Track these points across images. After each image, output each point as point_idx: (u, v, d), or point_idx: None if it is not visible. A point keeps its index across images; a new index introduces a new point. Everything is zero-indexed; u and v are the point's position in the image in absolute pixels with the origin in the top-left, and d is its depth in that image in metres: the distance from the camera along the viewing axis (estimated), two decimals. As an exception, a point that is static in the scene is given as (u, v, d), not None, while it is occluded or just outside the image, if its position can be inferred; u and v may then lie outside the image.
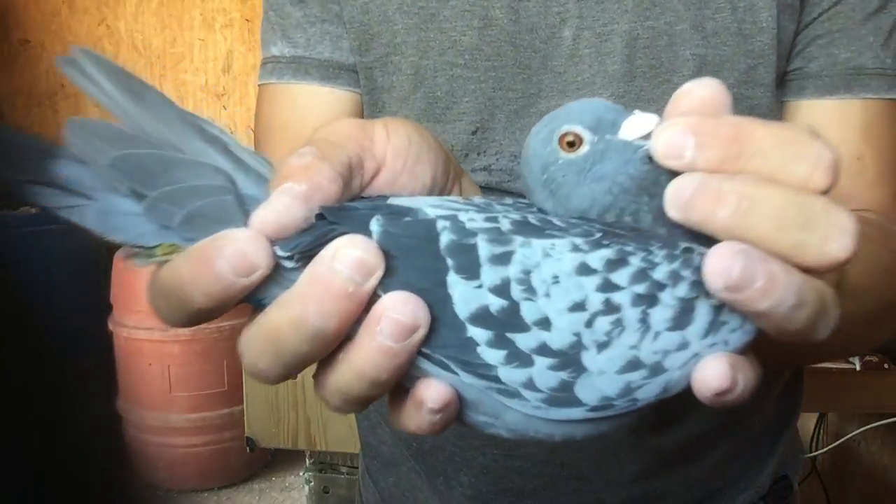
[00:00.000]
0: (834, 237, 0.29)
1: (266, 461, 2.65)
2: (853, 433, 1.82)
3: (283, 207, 0.31)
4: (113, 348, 2.50)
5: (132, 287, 2.43)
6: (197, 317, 0.34)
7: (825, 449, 1.86)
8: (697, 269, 0.30)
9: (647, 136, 0.32)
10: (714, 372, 0.30)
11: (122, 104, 0.33)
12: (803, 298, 0.29)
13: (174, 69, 2.94)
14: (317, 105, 0.65)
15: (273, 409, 1.67)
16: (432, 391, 0.32)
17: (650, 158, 0.32)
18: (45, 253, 2.50)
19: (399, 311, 0.30)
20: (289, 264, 0.32)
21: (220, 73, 2.92)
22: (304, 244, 0.31)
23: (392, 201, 0.34)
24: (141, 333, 2.41)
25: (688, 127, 0.30)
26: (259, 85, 0.68)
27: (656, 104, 0.59)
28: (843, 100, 0.61)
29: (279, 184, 0.31)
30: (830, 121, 0.61)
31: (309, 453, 1.77)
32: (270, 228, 0.31)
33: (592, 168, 0.34)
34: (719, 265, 0.29)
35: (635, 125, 0.33)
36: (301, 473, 2.09)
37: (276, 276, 0.32)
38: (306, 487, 1.82)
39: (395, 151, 0.36)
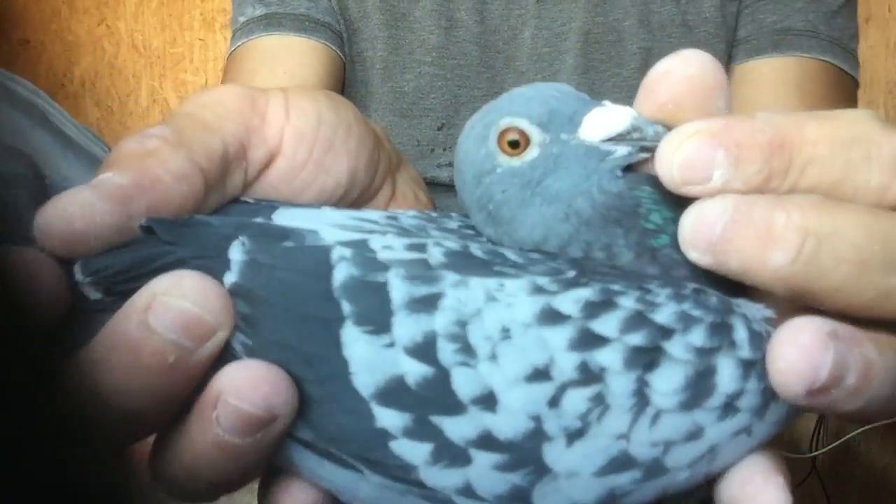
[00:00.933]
0: None
1: (266, 461, 2.65)
2: (853, 433, 1.82)
3: (85, 206, 0.21)
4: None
5: (132, 287, 2.43)
6: None
7: (825, 449, 1.86)
8: (717, 311, 0.21)
9: (623, 138, 0.23)
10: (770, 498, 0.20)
11: None
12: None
13: (174, 69, 2.94)
14: (289, 55, 0.57)
15: (273, 409, 1.67)
16: (295, 498, 0.22)
17: (623, 170, 0.23)
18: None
19: (244, 395, 0.20)
20: (92, 294, 0.22)
21: (220, 73, 2.92)
22: (113, 268, 0.22)
23: (278, 213, 0.24)
24: (141, 333, 2.41)
25: (713, 135, 0.21)
26: (227, 58, 0.63)
27: (606, 97, 0.59)
28: (773, 58, 0.63)
29: (100, 172, 0.22)
30: (764, 80, 0.63)
31: (309, 453, 1.77)
32: (59, 236, 0.21)
33: (542, 181, 0.23)
34: (801, 361, 0.19)
35: (602, 121, 0.24)
36: (301, 473, 2.09)
37: (74, 309, 0.23)
38: (306, 487, 1.82)
39: (298, 135, 0.25)
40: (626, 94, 0.62)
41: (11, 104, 0.25)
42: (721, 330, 0.20)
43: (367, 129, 0.28)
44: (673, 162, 0.21)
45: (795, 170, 0.20)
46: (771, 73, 0.63)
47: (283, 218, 0.24)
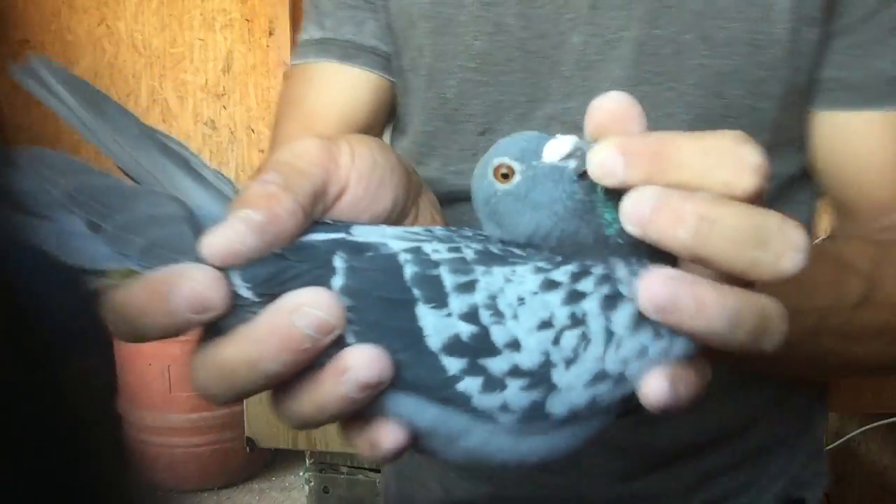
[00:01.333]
0: (787, 254, 0.30)
1: (266, 461, 2.65)
2: (853, 433, 1.82)
3: (236, 235, 0.30)
4: (113, 348, 2.50)
5: (132, 287, 2.43)
6: (145, 339, 0.34)
7: (825, 449, 1.86)
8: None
9: (571, 156, 0.34)
10: (654, 388, 0.31)
11: (82, 116, 0.33)
12: (740, 319, 0.30)
13: (174, 69, 2.94)
14: (334, 82, 0.68)
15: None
16: (389, 437, 0.32)
17: (579, 176, 0.33)
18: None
19: (364, 370, 0.30)
20: (245, 293, 0.31)
21: (220, 73, 2.92)
22: (262, 277, 0.31)
23: (353, 230, 0.34)
24: (141, 333, 2.41)
25: (616, 146, 0.31)
26: (286, 72, 0.72)
27: (660, 110, 0.60)
28: (884, 111, 0.60)
29: (238, 209, 0.31)
30: (872, 132, 0.61)
31: (309, 453, 1.77)
32: (220, 255, 0.30)
33: (528, 195, 0.34)
34: (648, 291, 0.30)
35: (554, 148, 0.34)
36: (301, 473, 2.09)
37: (233, 305, 0.32)
38: (306, 487, 1.82)
39: (359, 175, 0.35)
40: (681, 109, 0.60)
41: (166, 155, 0.33)
42: None
43: (403, 166, 0.38)
44: (593, 163, 0.31)
45: (670, 170, 0.30)
46: (879, 124, 0.61)
47: (360, 234, 0.34)
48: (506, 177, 0.35)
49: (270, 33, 2.81)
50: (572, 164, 0.33)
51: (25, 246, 0.35)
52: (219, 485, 2.54)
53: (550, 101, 0.62)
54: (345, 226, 0.34)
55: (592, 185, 0.33)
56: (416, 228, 0.36)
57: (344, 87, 0.67)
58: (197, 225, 0.32)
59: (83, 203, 0.32)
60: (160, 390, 2.42)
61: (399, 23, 0.65)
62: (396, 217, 0.38)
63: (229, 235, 0.30)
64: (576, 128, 0.51)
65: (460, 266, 0.32)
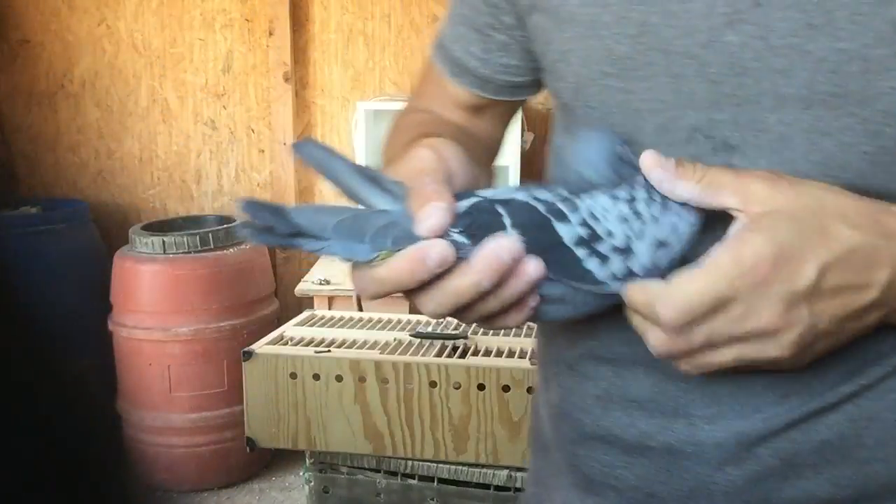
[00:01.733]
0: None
1: (266, 461, 2.65)
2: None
3: (441, 215, 0.50)
4: (113, 348, 2.50)
5: (132, 287, 2.43)
6: (388, 294, 0.52)
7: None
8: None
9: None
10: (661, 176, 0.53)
11: (339, 173, 0.54)
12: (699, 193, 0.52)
13: (174, 69, 2.94)
14: (443, 89, 0.77)
15: (273, 409, 1.67)
16: (533, 302, 0.53)
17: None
18: (45, 253, 2.50)
19: (534, 271, 0.50)
20: (458, 238, 0.51)
21: (220, 73, 2.92)
22: (466, 225, 0.51)
23: (481, 193, 0.55)
24: (141, 333, 2.41)
25: (657, 163, 0.54)
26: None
27: (836, 138, 0.52)
28: None
29: (425, 203, 0.50)
30: None
31: (309, 453, 1.77)
32: (440, 228, 0.50)
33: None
34: (650, 161, 0.52)
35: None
36: (301, 473, 2.09)
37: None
38: (306, 487, 1.82)
39: (455, 172, 0.57)
40: (864, 139, 0.52)
41: (375, 186, 0.54)
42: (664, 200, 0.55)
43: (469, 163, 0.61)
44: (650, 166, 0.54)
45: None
46: None
47: (490, 195, 0.54)
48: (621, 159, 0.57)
49: (270, 33, 2.81)
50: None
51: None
52: (219, 485, 2.54)
53: (694, 108, 0.56)
54: (470, 193, 0.55)
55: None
56: (513, 187, 0.57)
57: (447, 97, 0.77)
58: (408, 221, 0.51)
59: (344, 231, 0.51)
60: (160, 390, 2.42)
61: (542, 34, 0.63)
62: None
63: (439, 217, 0.50)
64: (724, 145, 0.56)
65: (564, 199, 0.53)
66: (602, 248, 0.52)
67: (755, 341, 0.49)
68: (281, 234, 0.50)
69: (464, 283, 0.50)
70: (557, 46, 0.62)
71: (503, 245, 0.49)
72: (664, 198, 0.53)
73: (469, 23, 0.71)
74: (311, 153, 0.54)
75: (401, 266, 0.50)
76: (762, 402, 0.57)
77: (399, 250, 0.50)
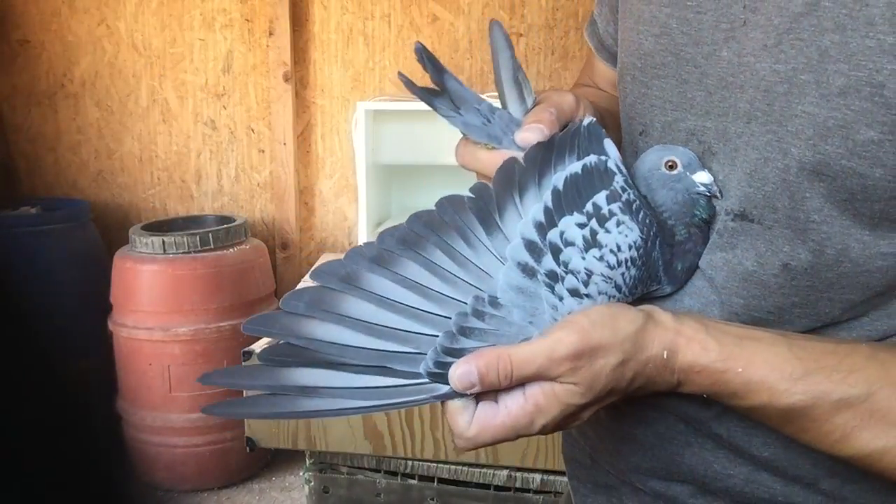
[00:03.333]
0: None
1: (266, 461, 2.65)
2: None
3: (536, 134, 0.58)
4: (113, 348, 2.50)
5: (132, 287, 2.43)
6: (474, 170, 0.64)
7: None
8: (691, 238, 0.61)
9: (706, 185, 0.60)
10: None
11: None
12: None
13: (174, 69, 2.94)
14: (594, 66, 0.86)
15: (273, 409, 1.67)
16: None
17: (696, 196, 0.61)
18: (45, 253, 2.50)
19: None
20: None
21: (220, 73, 2.92)
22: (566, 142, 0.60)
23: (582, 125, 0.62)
24: (141, 333, 2.41)
25: None
26: None
27: (760, 152, 0.56)
28: None
29: (534, 121, 0.59)
30: None
31: (309, 453, 1.77)
32: (528, 140, 0.58)
33: (672, 184, 0.60)
34: None
35: (702, 178, 0.60)
36: (301, 473, 2.09)
37: None
38: (306, 487, 1.82)
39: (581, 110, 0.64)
40: (777, 156, 0.55)
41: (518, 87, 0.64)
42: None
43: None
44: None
45: None
46: None
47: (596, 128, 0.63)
48: (670, 167, 0.60)
49: (270, 33, 2.81)
50: (705, 192, 0.60)
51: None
52: (219, 485, 2.54)
53: (692, 114, 0.61)
54: (578, 123, 0.62)
55: (696, 202, 0.60)
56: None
57: (594, 71, 0.86)
58: (517, 123, 0.61)
59: (477, 111, 0.63)
60: (160, 390, 2.42)
61: (620, 19, 0.72)
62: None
63: (533, 133, 0.58)
64: (709, 151, 0.62)
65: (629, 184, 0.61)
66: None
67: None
68: (430, 87, 0.62)
69: None
70: (620, 34, 0.71)
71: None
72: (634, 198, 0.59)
73: (607, 2, 0.80)
74: (497, 35, 0.62)
75: (491, 158, 0.60)
76: None
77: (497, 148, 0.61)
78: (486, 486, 1.73)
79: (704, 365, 0.54)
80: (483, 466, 1.69)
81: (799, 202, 0.55)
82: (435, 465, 1.73)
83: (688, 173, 0.60)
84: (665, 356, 0.54)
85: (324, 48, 2.86)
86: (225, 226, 2.54)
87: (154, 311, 2.40)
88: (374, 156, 2.62)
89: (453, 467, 1.70)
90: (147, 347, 2.41)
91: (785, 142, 0.54)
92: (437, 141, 2.56)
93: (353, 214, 2.90)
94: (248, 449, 1.74)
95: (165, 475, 2.48)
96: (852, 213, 0.53)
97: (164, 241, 2.40)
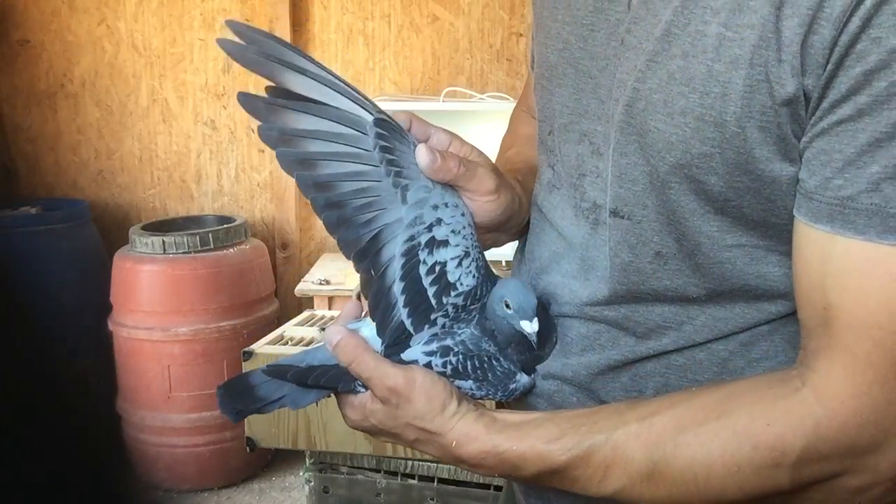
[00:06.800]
0: None
1: (266, 461, 2.65)
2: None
3: (428, 159, 0.67)
4: (113, 348, 2.50)
5: (132, 287, 2.43)
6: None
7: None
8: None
9: (528, 334, 0.67)
10: None
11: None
12: None
13: (174, 69, 2.94)
14: (528, 82, 0.93)
15: (273, 409, 1.67)
16: None
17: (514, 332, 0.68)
18: (45, 253, 2.50)
19: None
20: None
21: (220, 73, 2.92)
22: None
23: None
24: (141, 333, 2.41)
25: None
26: None
27: (628, 158, 0.64)
28: (824, 232, 0.56)
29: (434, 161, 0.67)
30: (811, 254, 0.57)
31: (309, 453, 1.77)
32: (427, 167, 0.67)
33: (503, 322, 0.68)
34: None
35: (528, 327, 0.67)
36: (301, 473, 2.09)
37: None
38: (306, 487, 1.82)
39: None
40: (639, 161, 0.63)
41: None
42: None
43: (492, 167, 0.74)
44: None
45: None
46: (818, 248, 0.57)
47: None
48: (507, 306, 0.67)
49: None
50: (528, 332, 0.67)
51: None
52: (219, 485, 2.54)
53: (587, 118, 0.69)
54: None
55: (520, 339, 0.68)
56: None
57: (529, 94, 0.91)
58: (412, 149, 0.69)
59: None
60: (160, 390, 2.42)
61: (535, 36, 0.79)
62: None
63: (428, 157, 0.66)
64: (597, 151, 0.68)
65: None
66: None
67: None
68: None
69: None
70: (535, 49, 0.78)
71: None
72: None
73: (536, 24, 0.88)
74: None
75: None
76: None
77: None
78: (486, 486, 1.73)
79: (487, 450, 0.65)
80: (483, 466, 1.69)
81: (664, 201, 0.63)
82: (435, 465, 1.73)
83: (517, 316, 0.67)
84: (453, 445, 0.66)
85: (324, 48, 2.86)
86: (225, 226, 2.54)
87: (154, 311, 2.40)
88: (374, 156, 2.61)
89: (453, 467, 1.70)
90: (147, 347, 2.41)
91: (646, 151, 0.62)
92: (437, 141, 2.55)
93: (353, 214, 2.90)
94: (248, 449, 1.74)
95: (165, 475, 2.48)
96: (701, 211, 0.62)
97: (164, 241, 2.40)
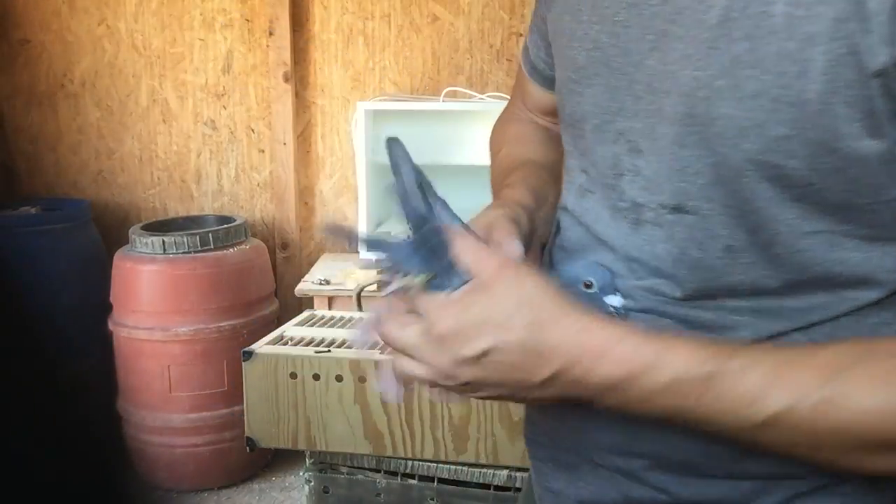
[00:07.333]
0: None
1: (266, 461, 2.65)
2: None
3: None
4: (113, 348, 2.50)
5: (132, 287, 2.43)
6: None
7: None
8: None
9: (616, 308, 0.65)
10: None
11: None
12: None
13: (174, 69, 2.94)
14: (528, 91, 0.92)
15: (273, 409, 1.67)
16: None
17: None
18: (45, 253, 2.50)
19: None
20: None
21: (220, 73, 2.92)
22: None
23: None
24: (141, 333, 2.41)
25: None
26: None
27: (691, 151, 0.62)
28: None
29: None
30: None
31: (309, 453, 1.77)
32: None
33: (587, 302, 0.63)
34: None
35: (614, 301, 0.66)
36: (301, 473, 2.09)
37: None
38: (306, 487, 1.82)
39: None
40: (706, 153, 0.61)
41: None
42: None
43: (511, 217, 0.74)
44: None
45: None
46: None
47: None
48: (587, 287, 0.65)
49: (270, 33, 2.81)
50: (612, 311, 0.65)
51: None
52: (219, 485, 2.54)
53: (622, 117, 0.67)
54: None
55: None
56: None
57: (527, 95, 0.92)
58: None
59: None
60: (160, 390, 2.42)
61: (553, 32, 0.78)
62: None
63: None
64: (636, 149, 0.66)
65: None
66: None
67: (441, 379, 0.62)
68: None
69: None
70: (555, 53, 0.77)
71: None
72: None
73: (537, 30, 0.86)
74: (397, 152, 0.66)
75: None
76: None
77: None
78: (486, 486, 1.73)
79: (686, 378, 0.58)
80: (483, 466, 1.69)
81: (733, 192, 0.61)
82: (435, 465, 1.73)
83: (601, 294, 0.65)
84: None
85: (324, 48, 2.86)
86: (225, 226, 2.54)
87: (154, 311, 2.40)
88: (374, 156, 2.62)
89: (453, 467, 1.70)
90: (147, 347, 2.41)
91: (712, 141, 0.60)
92: (437, 141, 2.56)
93: (353, 214, 2.90)
94: (248, 449, 1.74)
95: (165, 475, 2.48)
96: (778, 199, 0.60)
97: (164, 241, 2.40)
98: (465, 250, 0.62)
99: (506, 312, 0.60)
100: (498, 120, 0.98)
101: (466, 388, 0.63)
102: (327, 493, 1.79)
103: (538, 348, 0.59)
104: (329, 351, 1.67)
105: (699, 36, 0.60)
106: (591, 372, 0.59)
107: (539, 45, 0.86)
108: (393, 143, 0.67)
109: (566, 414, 0.72)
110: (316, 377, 1.64)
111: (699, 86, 0.60)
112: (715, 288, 0.64)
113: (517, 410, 1.57)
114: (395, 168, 0.67)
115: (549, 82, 0.85)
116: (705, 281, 0.64)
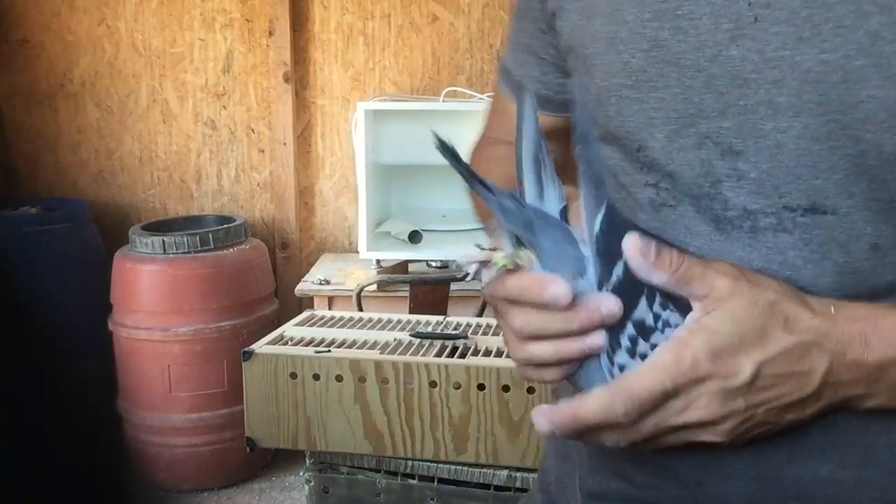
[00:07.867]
0: None
1: (266, 461, 2.65)
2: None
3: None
4: (113, 348, 2.50)
5: (132, 287, 2.43)
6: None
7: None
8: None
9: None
10: None
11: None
12: None
13: (174, 69, 2.94)
14: (511, 115, 0.75)
15: (273, 409, 1.67)
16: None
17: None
18: (45, 253, 2.50)
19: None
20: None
21: (220, 73, 2.92)
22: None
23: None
24: (141, 333, 2.41)
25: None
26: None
27: (823, 143, 0.56)
28: None
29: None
30: None
31: (309, 453, 1.77)
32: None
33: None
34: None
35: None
36: (301, 473, 2.09)
37: None
38: (306, 487, 1.82)
39: None
40: (848, 144, 0.56)
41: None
42: None
43: None
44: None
45: None
46: None
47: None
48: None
49: (270, 33, 2.81)
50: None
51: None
52: (219, 485, 2.54)
53: (703, 117, 0.60)
54: None
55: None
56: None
57: (510, 119, 0.75)
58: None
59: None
60: (160, 390, 2.42)
61: (573, 41, 0.69)
62: None
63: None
64: (730, 151, 0.60)
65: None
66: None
67: (696, 429, 0.55)
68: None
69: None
70: (585, 61, 0.68)
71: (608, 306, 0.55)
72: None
73: (526, 48, 0.78)
74: (527, 104, 0.60)
75: (524, 285, 0.57)
76: None
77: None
78: (486, 486, 1.73)
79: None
80: (483, 466, 1.69)
81: (879, 184, 0.55)
82: (435, 465, 1.73)
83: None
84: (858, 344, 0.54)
85: (324, 48, 2.86)
86: (225, 226, 2.54)
87: (154, 311, 2.40)
88: (374, 156, 2.61)
89: (453, 467, 1.70)
90: (147, 347, 2.41)
91: (854, 129, 0.54)
92: (437, 141, 2.55)
93: (353, 214, 2.90)
94: (248, 449, 1.74)
95: (165, 475, 2.48)
96: None
97: (164, 241, 2.40)
98: (691, 263, 0.55)
99: (756, 325, 0.53)
100: (476, 146, 0.90)
101: (747, 426, 0.55)
102: (327, 493, 1.79)
103: (802, 348, 0.54)
104: (329, 351, 1.67)
105: (813, 16, 0.55)
106: (866, 349, 0.54)
107: (530, 64, 0.78)
108: (524, 94, 0.61)
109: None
110: (316, 377, 1.64)
111: (829, 69, 0.54)
112: (859, 293, 0.57)
113: (517, 410, 1.57)
114: (520, 122, 0.60)
115: (541, 101, 0.76)
116: (850, 286, 0.57)
